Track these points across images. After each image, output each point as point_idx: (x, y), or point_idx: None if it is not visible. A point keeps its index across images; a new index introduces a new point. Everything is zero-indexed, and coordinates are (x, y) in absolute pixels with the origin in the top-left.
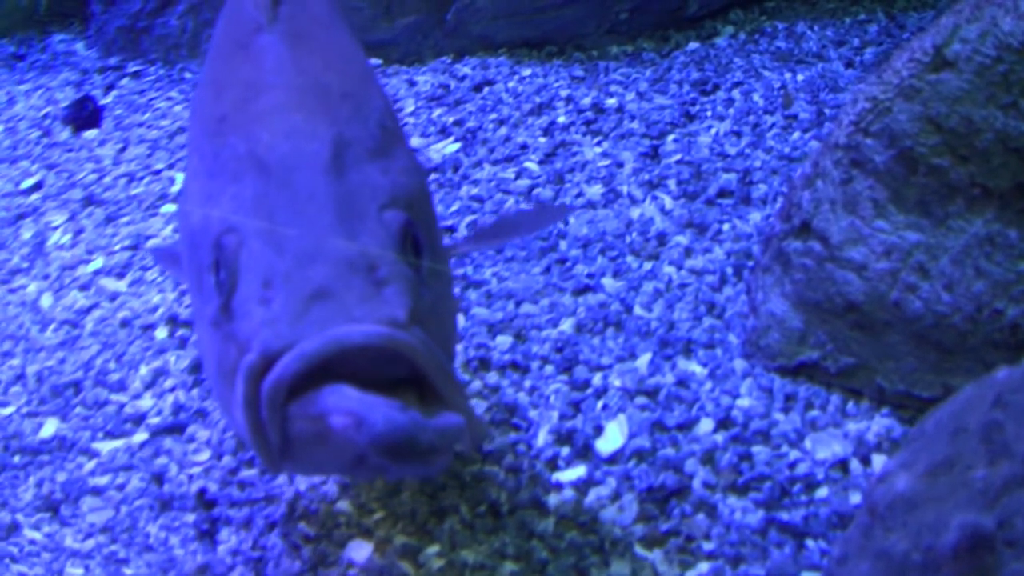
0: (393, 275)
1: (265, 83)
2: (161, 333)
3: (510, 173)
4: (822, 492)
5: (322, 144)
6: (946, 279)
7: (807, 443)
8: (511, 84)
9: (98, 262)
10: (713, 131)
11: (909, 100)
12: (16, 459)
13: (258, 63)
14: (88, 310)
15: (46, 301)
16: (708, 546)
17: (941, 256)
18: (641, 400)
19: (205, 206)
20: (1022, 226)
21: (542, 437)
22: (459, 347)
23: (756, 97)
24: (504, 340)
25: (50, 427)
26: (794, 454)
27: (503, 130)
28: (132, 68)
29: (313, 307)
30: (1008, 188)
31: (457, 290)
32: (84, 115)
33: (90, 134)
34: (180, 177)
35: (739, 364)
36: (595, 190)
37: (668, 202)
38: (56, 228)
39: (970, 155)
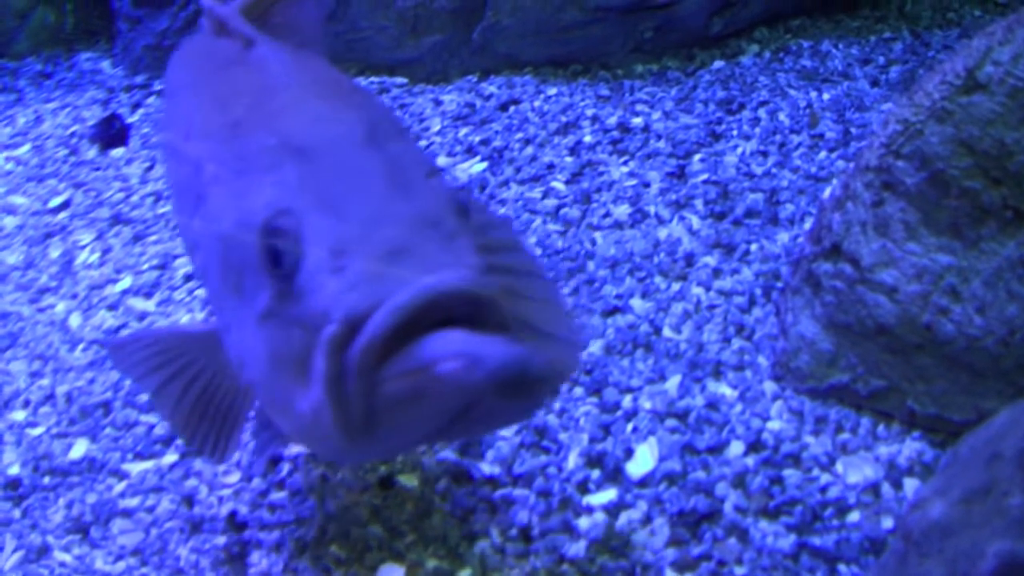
0: (457, 231)
1: (278, 84)
2: None
3: (537, 193)
4: (854, 516)
5: (353, 124)
6: (978, 302)
7: (838, 466)
8: (537, 103)
9: (126, 281)
10: (739, 150)
11: (941, 122)
12: (46, 480)
13: (262, 70)
14: (117, 330)
15: (75, 321)
16: (740, 571)
17: (973, 279)
18: (671, 423)
19: (238, 203)
20: None
21: (572, 460)
22: None
23: (782, 116)
24: None
25: (80, 448)
26: (825, 478)
27: (529, 149)
28: (159, 86)
29: (392, 265)
30: None
31: None
32: (111, 133)
33: (117, 152)
34: None
35: (769, 386)
36: (622, 210)
37: (695, 222)
38: (84, 247)
39: (1003, 177)
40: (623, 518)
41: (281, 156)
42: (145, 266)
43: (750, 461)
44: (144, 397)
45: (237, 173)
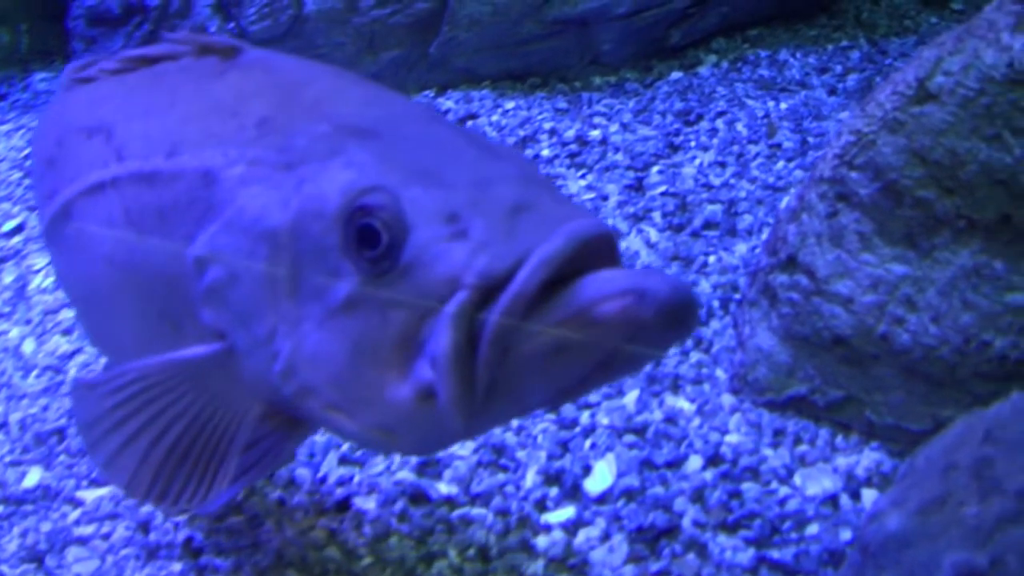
0: (554, 185)
1: (296, 79)
2: None
3: None
4: (812, 529)
5: (404, 103)
6: (933, 311)
7: (797, 479)
8: (495, 117)
9: None
10: (697, 162)
11: (893, 133)
12: (0, 509)
13: (271, 69)
14: (71, 355)
15: (28, 347)
16: None
17: (928, 288)
18: (630, 438)
19: (295, 196)
20: (1008, 257)
21: (530, 478)
22: None
23: (740, 127)
24: None
25: (34, 476)
26: (784, 490)
27: None
28: None
29: (519, 221)
30: (993, 220)
31: None
32: None
33: None
34: None
35: (727, 399)
36: None
37: (653, 235)
38: (38, 271)
39: (955, 187)
40: (581, 536)
41: (341, 140)
42: None
43: (708, 475)
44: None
45: (282, 168)
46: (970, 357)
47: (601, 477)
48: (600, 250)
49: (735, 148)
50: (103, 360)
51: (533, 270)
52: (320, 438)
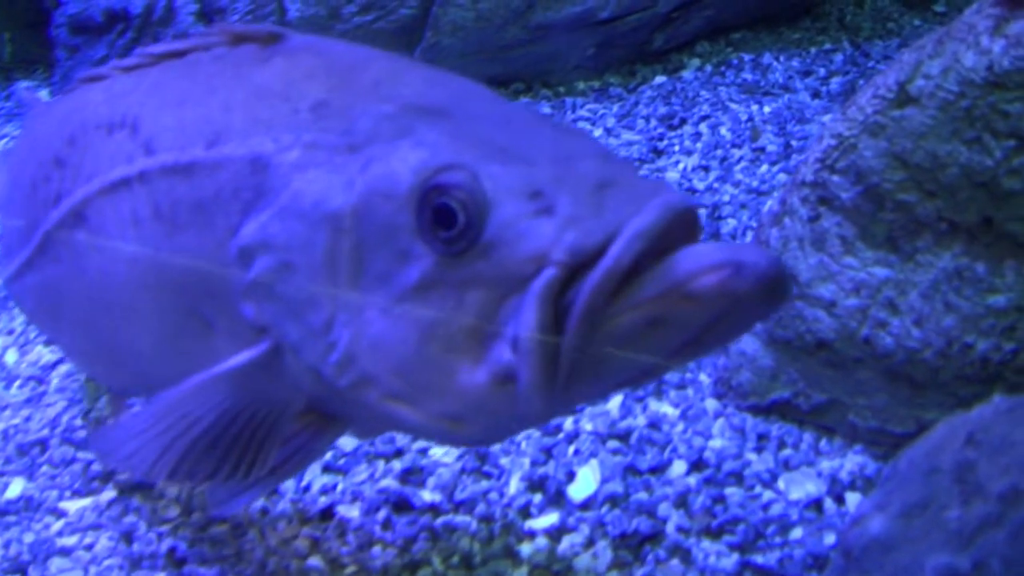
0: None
1: (349, 62)
2: None
3: None
4: (796, 533)
5: (467, 82)
6: (916, 314)
7: (780, 483)
8: None
9: None
10: (681, 166)
11: (874, 137)
12: None
13: (315, 53)
14: (54, 365)
15: (11, 357)
16: None
17: (910, 291)
18: (613, 444)
19: (361, 177)
20: (990, 260)
21: (514, 485)
22: None
23: (723, 131)
24: None
25: (16, 487)
26: (768, 495)
27: None
28: None
29: (606, 196)
30: (975, 222)
31: None
32: None
33: None
34: None
35: (711, 404)
36: None
37: None
38: None
39: (936, 190)
40: (565, 542)
41: (409, 120)
42: None
43: (692, 480)
44: (82, 434)
45: (345, 151)
46: (953, 360)
47: (585, 483)
48: (685, 225)
49: (719, 152)
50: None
51: (628, 243)
52: None
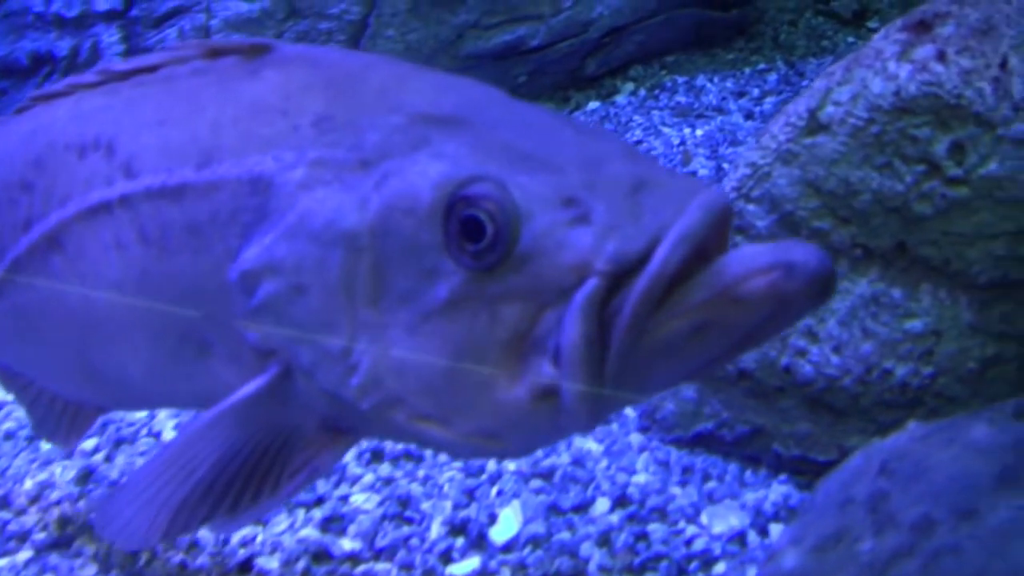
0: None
1: (349, 70)
2: (46, 444)
3: None
4: (719, 568)
5: (478, 85)
6: (834, 341)
7: (704, 517)
8: None
9: None
10: None
11: (787, 164)
12: None
13: (310, 63)
14: None
15: None
16: None
17: (828, 319)
18: (536, 483)
19: (376, 194)
20: (905, 285)
21: (435, 529)
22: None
23: (655, 155)
24: None
25: None
26: (691, 530)
27: None
28: None
29: (642, 199)
30: (889, 247)
31: None
32: None
33: None
34: None
35: (635, 438)
36: None
37: None
38: None
39: (850, 216)
40: None
41: (422, 130)
42: None
43: (615, 518)
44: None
45: (356, 167)
46: (872, 386)
47: (506, 525)
48: (724, 224)
49: None
50: (4, 426)
51: (672, 248)
52: None
